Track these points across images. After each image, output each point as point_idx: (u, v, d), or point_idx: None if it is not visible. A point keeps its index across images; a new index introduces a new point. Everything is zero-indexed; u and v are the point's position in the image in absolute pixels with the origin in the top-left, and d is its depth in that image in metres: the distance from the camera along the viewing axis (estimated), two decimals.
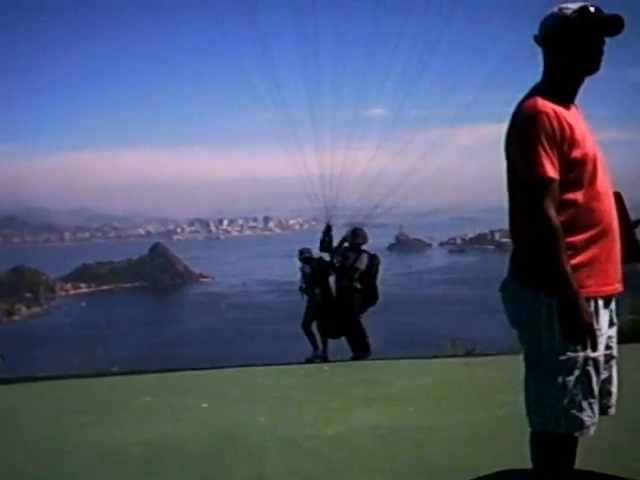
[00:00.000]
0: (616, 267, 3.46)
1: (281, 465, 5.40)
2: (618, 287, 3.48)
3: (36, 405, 8.53)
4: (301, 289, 13.82)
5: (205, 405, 7.77)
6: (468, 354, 13.06)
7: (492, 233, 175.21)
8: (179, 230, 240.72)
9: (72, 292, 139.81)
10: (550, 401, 3.37)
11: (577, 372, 3.33)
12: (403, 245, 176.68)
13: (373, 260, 13.14)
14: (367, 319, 13.04)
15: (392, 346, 17.82)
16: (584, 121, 3.49)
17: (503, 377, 8.67)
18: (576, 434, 3.41)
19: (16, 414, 7.94)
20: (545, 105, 3.29)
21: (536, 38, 3.52)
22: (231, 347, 52.32)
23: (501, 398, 7.19)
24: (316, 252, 13.80)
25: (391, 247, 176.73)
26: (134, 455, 5.89)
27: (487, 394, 7.71)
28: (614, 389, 3.58)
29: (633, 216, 3.72)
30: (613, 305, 3.52)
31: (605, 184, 3.46)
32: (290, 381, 9.43)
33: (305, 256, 13.73)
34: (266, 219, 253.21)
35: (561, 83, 3.44)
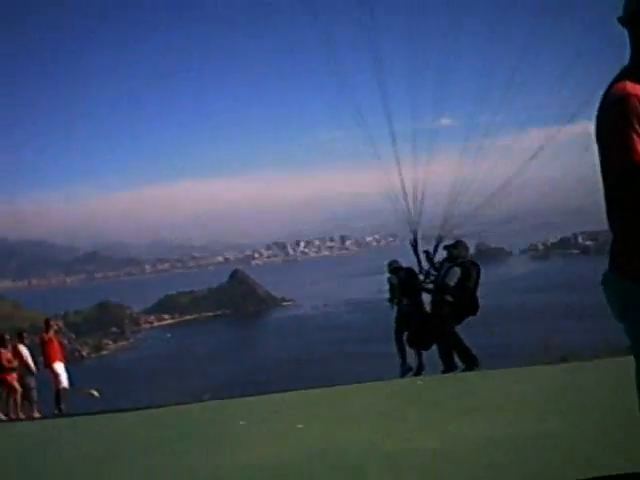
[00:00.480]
0: None
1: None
2: None
3: (136, 435, 8.69)
4: (390, 300, 13.68)
5: (300, 426, 7.70)
6: (563, 360, 12.80)
7: (575, 236, 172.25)
8: (257, 255, 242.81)
9: (156, 324, 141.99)
10: None
11: None
12: (484, 254, 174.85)
13: (470, 271, 12.92)
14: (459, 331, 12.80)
15: (483, 357, 17.52)
16: None
17: (604, 381, 8.64)
18: None
19: (117, 445, 8.08)
20: (635, 87, 3.16)
21: (620, 19, 3.37)
22: (319, 368, 52.30)
23: (607, 402, 7.02)
24: (407, 263, 13.72)
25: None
26: (234, 478, 5.92)
27: (590, 399, 7.48)
28: None
29: None
30: None
31: None
32: (384, 398, 9.31)
33: (394, 267, 13.61)
34: (343, 238, 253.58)
35: None
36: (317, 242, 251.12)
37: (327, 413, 8.58)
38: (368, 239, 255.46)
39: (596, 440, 5.67)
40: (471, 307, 12.97)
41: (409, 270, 13.45)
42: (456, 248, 13.00)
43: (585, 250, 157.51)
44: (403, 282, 13.25)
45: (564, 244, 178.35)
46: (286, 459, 6.32)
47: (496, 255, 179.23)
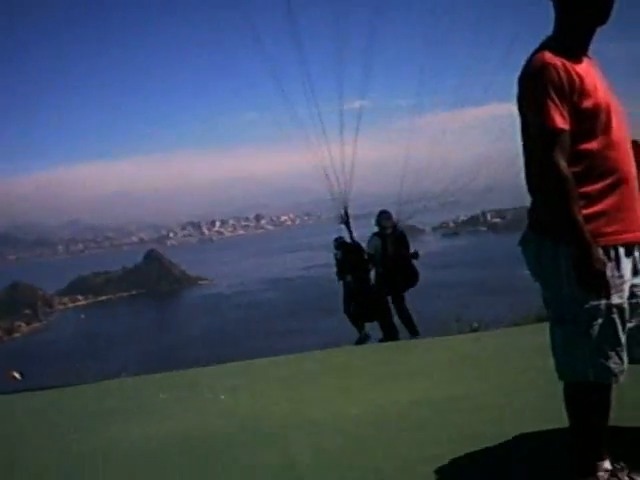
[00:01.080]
0: (637, 215, 3.45)
1: (309, 446, 5.43)
2: (638, 234, 3.47)
3: (57, 412, 8.63)
4: (336, 274, 13.89)
5: (223, 397, 7.76)
6: (474, 331, 13.20)
7: (484, 214, 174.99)
8: (172, 235, 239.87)
9: (70, 305, 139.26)
10: (576, 351, 3.38)
11: (601, 320, 3.32)
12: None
13: (387, 240, 13.15)
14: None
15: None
16: (598, 72, 3.49)
17: (515, 347, 8.97)
18: (605, 382, 3.40)
19: (40, 421, 8.04)
20: (553, 58, 3.31)
21: None
22: (237, 347, 52.31)
23: (518, 365, 7.32)
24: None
25: None
26: (161, 448, 5.95)
27: (503, 363, 7.76)
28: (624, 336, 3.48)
29: None
30: (637, 253, 3.50)
31: (621, 133, 3.46)
32: (306, 368, 9.45)
33: (339, 242, 13.80)
34: (258, 217, 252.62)
35: (572, 35, 3.44)
36: (232, 222, 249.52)
37: (249, 384, 8.65)
38: (283, 218, 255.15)
39: (511, 400, 5.93)
40: (404, 278, 13.17)
41: (349, 245, 13.63)
42: (379, 218, 13.31)
43: (493, 227, 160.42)
44: (344, 257, 13.44)
45: (473, 221, 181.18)
46: (211, 429, 6.41)
47: (408, 232, 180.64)
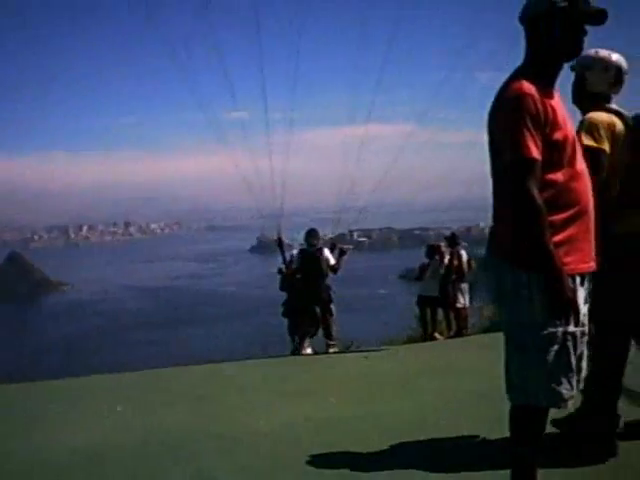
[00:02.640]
0: (591, 246, 3.59)
1: (224, 462, 5.39)
2: (593, 265, 3.61)
3: None
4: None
5: (120, 409, 7.48)
6: (348, 348, 13.67)
7: (351, 233, 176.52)
8: (36, 238, 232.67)
9: None
10: (531, 375, 3.49)
11: (557, 346, 3.44)
12: (265, 247, 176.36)
13: (303, 258, 13.53)
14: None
15: (254, 346, 18.05)
16: (563, 104, 3.61)
17: (406, 367, 9.21)
18: (555, 407, 3.57)
19: None
20: (530, 88, 3.38)
21: (520, 19, 3.60)
22: (99, 354, 51.26)
23: (417, 385, 7.63)
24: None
25: (252, 249, 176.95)
26: (60, 463, 5.67)
27: (399, 382, 8.02)
28: (584, 365, 3.66)
29: None
30: (587, 283, 3.62)
31: (583, 165, 3.60)
32: (199, 381, 9.28)
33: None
34: (127, 224, 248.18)
35: (543, 66, 3.53)
36: (100, 227, 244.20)
37: (145, 396, 8.37)
38: (153, 226, 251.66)
39: (411, 419, 6.16)
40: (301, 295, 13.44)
41: (286, 265, 13.83)
42: (307, 235, 13.78)
43: (358, 245, 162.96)
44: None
45: (339, 239, 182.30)
46: (110, 441, 6.22)
47: (276, 248, 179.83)
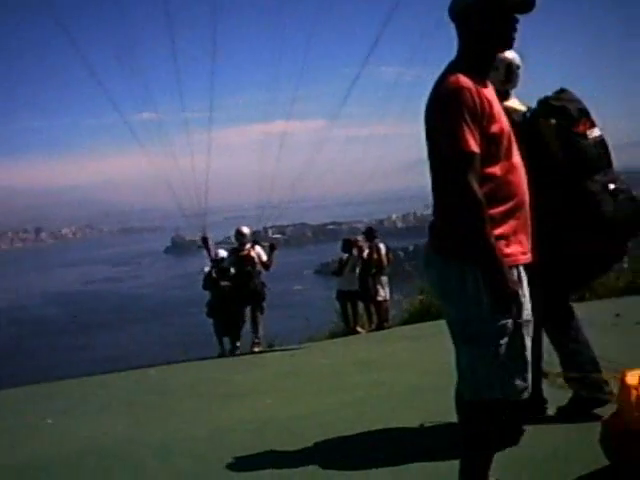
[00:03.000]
0: (529, 238, 3.60)
1: (162, 471, 5.31)
2: (530, 257, 3.62)
3: None
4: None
5: (50, 421, 7.29)
6: (270, 347, 13.69)
7: (265, 230, 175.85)
8: None
9: None
10: (482, 369, 3.45)
11: (507, 338, 3.42)
12: (179, 247, 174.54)
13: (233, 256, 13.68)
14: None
15: (175, 348, 17.83)
16: (496, 97, 3.62)
17: (335, 362, 9.31)
18: (510, 399, 3.50)
19: None
20: (467, 81, 3.37)
21: (450, 13, 3.56)
22: (20, 362, 50.11)
23: (348, 380, 7.65)
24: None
25: (167, 250, 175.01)
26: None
27: (330, 378, 8.08)
28: (528, 353, 3.59)
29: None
30: (524, 273, 3.61)
31: (518, 158, 3.61)
32: (127, 389, 9.17)
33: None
34: (37, 230, 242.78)
35: (477, 59, 3.53)
36: (10, 234, 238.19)
37: (74, 406, 8.20)
38: (64, 231, 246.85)
39: (349, 415, 6.18)
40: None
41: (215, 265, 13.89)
42: (237, 234, 13.97)
43: (272, 244, 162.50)
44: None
45: (257, 236, 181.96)
46: (43, 455, 6.04)
47: (190, 248, 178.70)
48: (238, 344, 13.39)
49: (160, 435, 6.29)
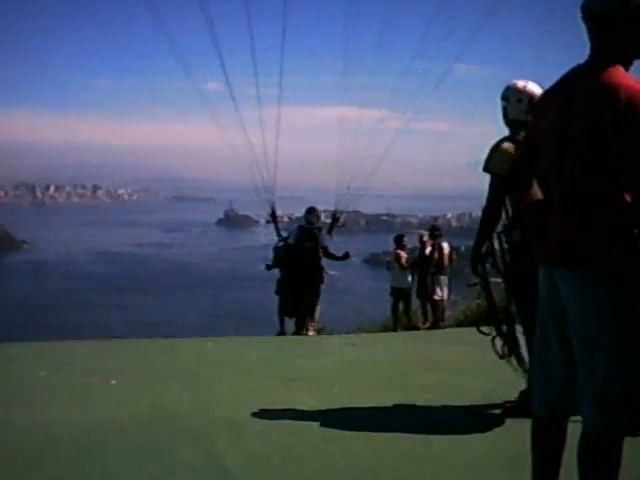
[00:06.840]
0: None
1: (234, 448, 5.26)
2: None
3: None
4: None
5: (114, 382, 7.27)
6: (318, 332, 13.67)
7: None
8: (2, 194, 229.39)
9: None
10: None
11: None
12: (232, 221, 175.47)
13: (301, 235, 13.56)
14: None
15: (223, 320, 17.85)
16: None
17: (397, 359, 9.19)
18: None
19: None
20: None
21: (586, 13, 3.31)
22: (61, 317, 50.56)
23: (413, 379, 7.59)
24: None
25: (220, 222, 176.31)
26: (54, 438, 5.41)
27: (394, 375, 7.97)
28: None
29: None
30: None
31: None
32: (181, 356, 9.16)
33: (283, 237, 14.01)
34: (95, 187, 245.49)
35: (622, 63, 3.28)
36: (68, 188, 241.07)
37: (138, 369, 8.19)
38: (120, 191, 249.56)
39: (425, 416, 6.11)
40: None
41: (283, 240, 13.84)
42: (307, 213, 13.81)
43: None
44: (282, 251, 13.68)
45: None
46: (109, 416, 6.01)
47: (242, 222, 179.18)
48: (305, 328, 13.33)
49: (229, 412, 6.21)
